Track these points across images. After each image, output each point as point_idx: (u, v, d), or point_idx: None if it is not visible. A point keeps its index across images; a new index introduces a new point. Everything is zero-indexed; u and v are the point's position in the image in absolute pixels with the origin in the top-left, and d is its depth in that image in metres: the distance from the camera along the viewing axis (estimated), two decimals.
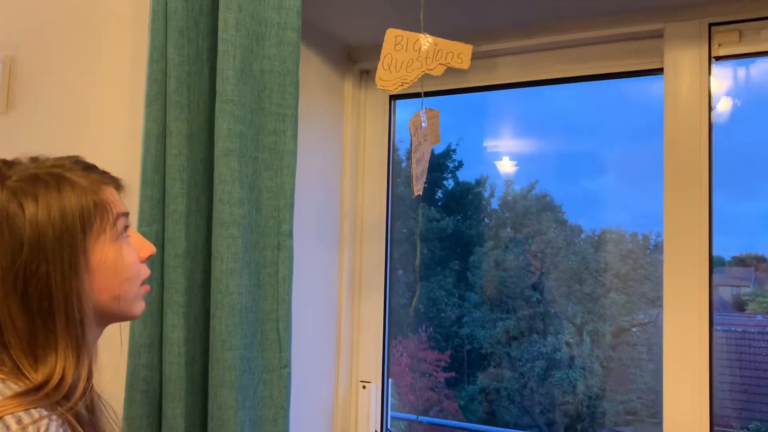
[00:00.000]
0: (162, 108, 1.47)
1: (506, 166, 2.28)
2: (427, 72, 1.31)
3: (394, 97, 1.96)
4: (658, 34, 1.60)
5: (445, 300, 2.41)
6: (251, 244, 1.42)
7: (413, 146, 1.34)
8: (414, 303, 1.50)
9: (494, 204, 2.39)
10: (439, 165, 2.48)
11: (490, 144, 2.32)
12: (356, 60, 1.96)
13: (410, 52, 1.31)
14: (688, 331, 1.52)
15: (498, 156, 2.28)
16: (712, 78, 1.55)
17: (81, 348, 0.93)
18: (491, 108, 2.26)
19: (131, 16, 1.68)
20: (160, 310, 1.45)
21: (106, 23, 1.72)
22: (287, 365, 1.43)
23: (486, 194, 2.41)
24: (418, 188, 1.38)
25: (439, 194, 2.54)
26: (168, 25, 1.47)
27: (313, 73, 1.83)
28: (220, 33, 1.41)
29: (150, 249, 1.09)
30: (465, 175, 2.48)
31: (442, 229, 2.46)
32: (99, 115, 1.71)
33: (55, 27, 1.71)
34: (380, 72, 1.32)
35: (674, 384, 1.54)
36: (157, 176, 1.47)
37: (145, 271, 1.08)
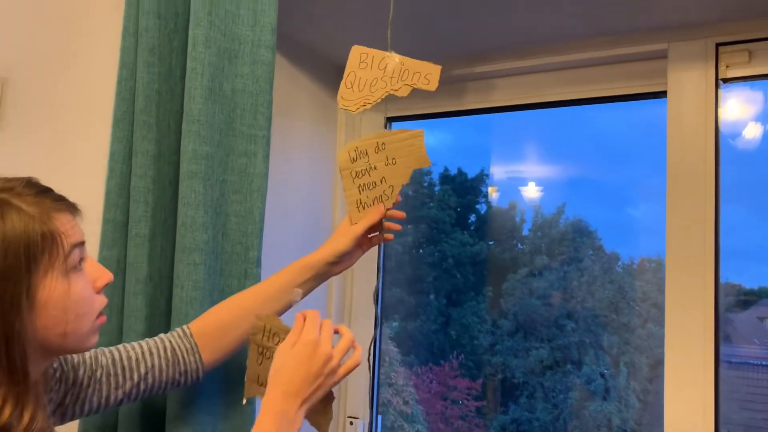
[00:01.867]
0: (129, 128, 1.43)
1: (532, 192, 2.19)
2: (392, 92, 1.23)
3: (390, 119, 1.90)
4: (662, 55, 1.51)
5: (478, 327, 2.33)
6: (215, 271, 1.36)
7: (360, 170, 1.24)
8: (373, 334, 1.41)
9: (525, 230, 2.31)
10: (472, 189, 2.40)
11: (521, 168, 2.24)
12: None
13: (375, 71, 1.23)
14: (691, 371, 1.42)
15: (524, 182, 2.20)
16: (737, 102, 1.47)
17: (22, 389, 0.86)
18: (520, 131, 2.18)
19: (118, 38, 1.66)
20: (119, 338, 1.39)
21: (95, 46, 1.71)
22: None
23: (517, 219, 2.33)
24: (358, 217, 1.29)
25: (473, 218, 2.46)
26: (138, 42, 1.43)
27: (303, 94, 1.78)
28: (189, 50, 1.36)
29: (107, 277, 1.01)
30: (497, 200, 2.40)
31: (476, 254, 2.37)
32: (87, 137, 1.69)
33: (48, 49, 1.72)
34: (342, 91, 1.24)
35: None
36: (121, 198, 1.42)
37: (101, 302, 1.00)
